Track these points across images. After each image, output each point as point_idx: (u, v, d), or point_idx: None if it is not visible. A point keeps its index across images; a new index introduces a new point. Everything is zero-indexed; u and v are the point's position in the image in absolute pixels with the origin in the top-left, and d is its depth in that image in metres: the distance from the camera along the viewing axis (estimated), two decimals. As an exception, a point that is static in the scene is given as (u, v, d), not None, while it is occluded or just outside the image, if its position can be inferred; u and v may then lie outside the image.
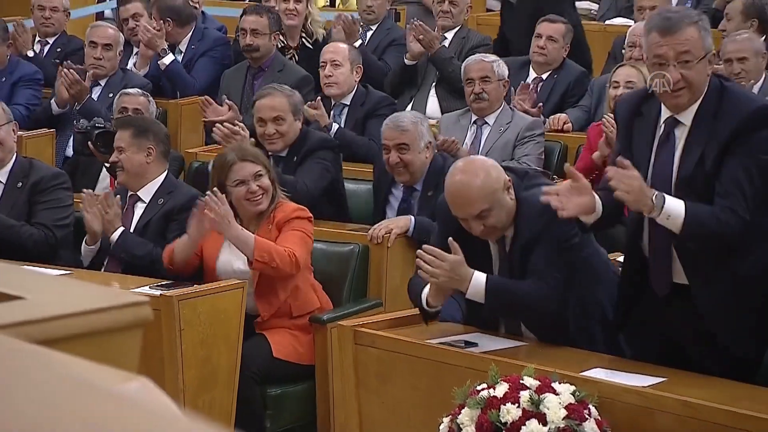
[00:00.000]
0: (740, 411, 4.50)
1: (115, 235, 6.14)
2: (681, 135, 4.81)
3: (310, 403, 6.07)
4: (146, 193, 6.36)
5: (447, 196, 5.08)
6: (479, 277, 4.93)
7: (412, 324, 5.41)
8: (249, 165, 5.83)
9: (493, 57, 7.80)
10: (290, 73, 8.09)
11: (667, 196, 4.64)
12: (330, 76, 7.57)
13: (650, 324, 5.04)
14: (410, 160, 6.47)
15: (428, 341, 5.17)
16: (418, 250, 4.94)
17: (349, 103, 7.73)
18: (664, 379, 4.76)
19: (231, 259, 5.81)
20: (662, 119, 4.84)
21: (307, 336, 5.93)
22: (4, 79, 8.79)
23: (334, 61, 7.62)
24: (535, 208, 4.95)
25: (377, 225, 6.32)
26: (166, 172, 6.43)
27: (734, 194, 4.68)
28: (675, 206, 4.64)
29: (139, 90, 8.01)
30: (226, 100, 7.78)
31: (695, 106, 4.81)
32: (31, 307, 2.38)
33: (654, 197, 4.61)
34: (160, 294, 5.60)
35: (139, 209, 6.37)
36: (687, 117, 4.80)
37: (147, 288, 5.70)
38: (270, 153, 6.94)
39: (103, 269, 6.30)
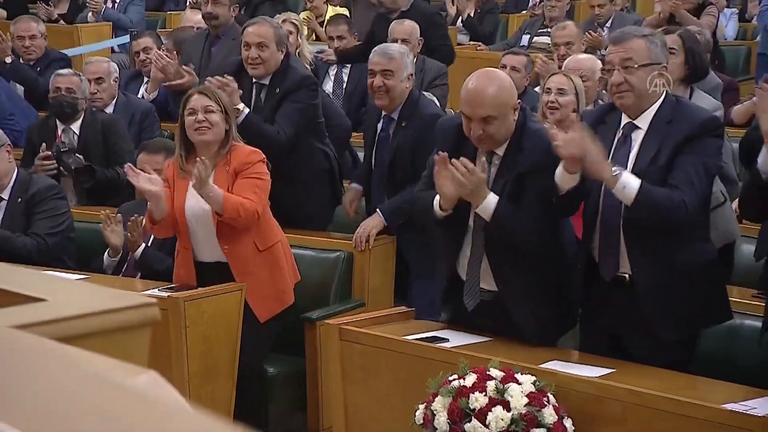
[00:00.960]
0: (680, 398, 4.50)
1: (138, 252, 6.10)
2: (637, 137, 4.85)
3: (303, 388, 6.05)
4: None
5: (463, 93, 5.03)
6: (492, 198, 4.90)
7: (392, 322, 5.42)
8: (203, 98, 5.63)
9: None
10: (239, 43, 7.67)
11: (624, 171, 4.70)
12: (256, 57, 7.01)
13: (596, 319, 5.05)
14: (392, 86, 6.37)
15: (406, 338, 5.16)
16: (454, 160, 4.82)
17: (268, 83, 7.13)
18: (612, 370, 4.76)
19: (198, 203, 5.59)
20: (622, 124, 4.89)
21: (280, 270, 5.75)
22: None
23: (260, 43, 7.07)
24: (543, 141, 4.92)
25: (357, 232, 6.29)
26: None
27: (686, 187, 4.70)
28: (631, 178, 4.67)
29: (71, 70, 8.03)
30: (185, 67, 7.69)
31: (651, 113, 4.86)
32: (53, 308, 2.38)
33: (613, 168, 4.66)
34: (168, 296, 5.57)
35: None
36: (644, 122, 4.85)
37: (156, 290, 5.68)
38: (254, 80, 6.90)
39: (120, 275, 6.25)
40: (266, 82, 6.95)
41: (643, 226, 4.78)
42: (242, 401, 5.80)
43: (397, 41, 7.67)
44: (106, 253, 6.29)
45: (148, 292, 5.59)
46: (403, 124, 6.35)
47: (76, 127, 7.46)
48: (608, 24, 9.94)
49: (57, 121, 7.59)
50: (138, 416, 1.59)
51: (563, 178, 4.78)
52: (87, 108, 7.55)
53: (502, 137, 4.99)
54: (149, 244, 6.22)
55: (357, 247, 6.23)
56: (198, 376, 5.56)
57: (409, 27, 8.15)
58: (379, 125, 6.56)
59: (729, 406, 4.42)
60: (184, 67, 7.68)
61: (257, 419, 5.83)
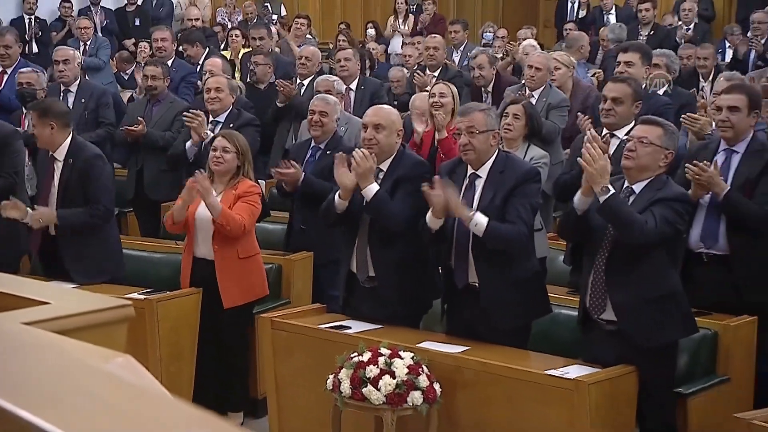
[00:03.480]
0: (515, 366, 4.57)
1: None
2: (479, 184, 4.84)
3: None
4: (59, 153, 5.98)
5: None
6: (374, 186, 4.93)
7: (309, 315, 5.39)
8: (224, 141, 5.63)
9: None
10: (176, 105, 7.65)
11: (477, 212, 4.71)
12: (215, 98, 7.05)
13: (456, 313, 5.03)
14: (326, 122, 6.27)
15: (319, 326, 5.15)
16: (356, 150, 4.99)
17: (223, 120, 7.08)
18: (468, 348, 4.79)
19: (205, 212, 5.49)
20: (468, 174, 4.89)
21: (254, 271, 5.67)
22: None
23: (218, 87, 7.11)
24: (522, 166, 4.97)
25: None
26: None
27: (519, 221, 4.72)
28: (481, 217, 4.67)
29: (31, 68, 7.91)
30: (139, 118, 7.44)
31: (488, 166, 4.86)
32: (55, 309, 2.40)
33: (469, 210, 4.68)
34: (144, 298, 5.52)
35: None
36: (483, 172, 4.86)
37: (136, 294, 5.58)
38: (211, 118, 6.90)
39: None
40: (221, 119, 6.94)
41: (490, 249, 4.76)
42: (228, 365, 5.77)
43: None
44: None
45: (131, 295, 5.49)
46: (327, 152, 6.14)
47: None
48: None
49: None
50: (112, 394, 1.59)
51: (432, 221, 4.79)
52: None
53: (482, 155, 4.85)
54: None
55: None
56: (167, 358, 5.50)
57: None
58: (308, 154, 6.39)
59: (550, 372, 4.47)
60: (139, 117, 7.44)
61: (242, 373, 5.82)
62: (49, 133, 5.90)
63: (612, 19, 13.09)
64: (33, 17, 13.68)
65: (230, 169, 5.61)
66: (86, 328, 2.36)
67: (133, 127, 7.36)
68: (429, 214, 4.79)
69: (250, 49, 9.88)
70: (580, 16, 14.08)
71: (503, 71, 9.28)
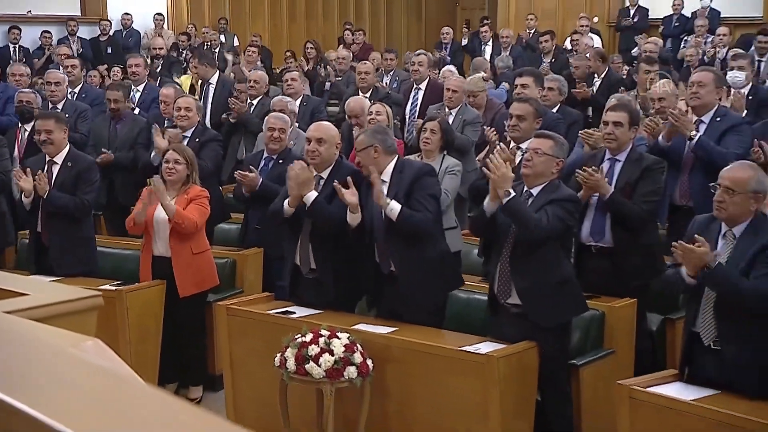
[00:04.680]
0: (434, 343, 4.61)
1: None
2: (385, 186, 4.85)
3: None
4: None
5: None
6: (313, 194, 4.95)
7: (260, 302, 5.36)
8: (175, 154, 5.61)
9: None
10: (137, 122, 7.60)
11: (392, 200, 4.76)
12: (184, 116, 6.92)
13: (383, 298, 5.04)
14: (283, 138, 6.25)
15: (268, 312, 5.13)
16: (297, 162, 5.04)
17: (190, 135, 6.92)
18: (396, 329, 4.81)
19: (163, 214, 5.48)
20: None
21: (205, 265, 5.65)
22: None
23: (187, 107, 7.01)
24: (416, 165, 5.00)
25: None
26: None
27: (422, 208, 4.77)
28: (396, 205, 4.73)
29: (30, 90, 7.92)
30: (104, 150, 7.35)
31: (390, 170, 4.89)
32: (33, 299, 2.38)
33: (387, 198, 4.74)
34: (115, 289, 5.48)
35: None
36: (386, 176, 4.89)
37: (107, 286, 5.54)
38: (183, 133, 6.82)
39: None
40: (188, 134, 6.87)
41: (403, 236, 4.80)
42: (187, 346, 5.74)
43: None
44: (21, 194, 5.94)
45: (103, 287, 5.45)
46: (280, 161, 6.14)
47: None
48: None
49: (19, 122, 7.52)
50: (78, 376, 1.56)
51: (351, 217, 4.85)
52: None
53: (380, 167, 4.91)
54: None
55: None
56: (135, 340, 5.46)
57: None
58: (262, 162, 6.35)
59: (465, 348, 4.50)
60: (104, 150, 7.35)
61: (200, 353, 5.80)
62: (61, 138, 6.03)
63: (488, 49, 13.30)
64: (17, 46, 13.51)
65: (181, 178, 5.60)
66: (60, 316, 2.34)
67: (102, 157, 7.27)
68: (348, 213, 4.86)
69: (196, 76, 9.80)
70: (463, 44, 14.46)
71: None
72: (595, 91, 9.18)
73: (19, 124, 7.53)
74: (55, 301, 2.39)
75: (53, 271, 5.81)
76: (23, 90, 7.84)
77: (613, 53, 12.45)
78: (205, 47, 13.02)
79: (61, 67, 11.24)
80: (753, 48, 11.06)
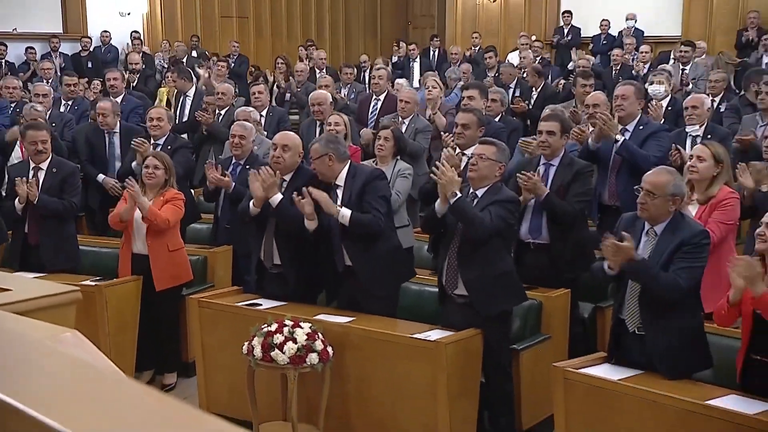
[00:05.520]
0: (389, 332, 4.59)
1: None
2: (339, 190, 4.86)
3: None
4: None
5: None
6: (278, 196, 4.90)
7: (229, 296, 5.31)
8: (155, 160, 5.57)
9: None
10: (130, 132, 7.33)
11: (342, 207, 4.75)
12: (156, 126, 6.88)
13: (342, 290, 5.03)
14: (244, 143, 6.19)
15: (237, 304, 5.09)
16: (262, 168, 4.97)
17: (162, 143, 6.86)
18: (354, 318, 4.80)
19: (139, 213, 5.43)
20: (333, 183, 4.90)
21: (180, 260, 5.60)
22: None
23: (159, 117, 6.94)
24: (366, 170, 4.98)
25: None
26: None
27: (373, 210, 4.77)
28: (346, 211, 4.73)
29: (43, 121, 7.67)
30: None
31: (343, 176, 4.88)
32: (15, 294, 2.34)
33: (337, 207, 4.73)
34: (95, 284, 5.40)
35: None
36: (341, 181, 4.88)
37: (88, 281, 5.46)
38: (153, 141, 6.76)
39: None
40: (161, 141, 6.79)
41: (357, 235, 4.79)
42: (163, 335, 5.69)
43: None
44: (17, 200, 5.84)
45: (84, 282, 5.38)
46: (247, 167, 6.02)
47: None
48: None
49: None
50: (51, 367, 1.54)
51: (308, 223, 4.83)
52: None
53: (329, 174, 4.89)
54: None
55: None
56: (114, 331, 5.39)
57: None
58: (231, 167, 6.31)
59: (416, 335, 4.50)
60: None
61: (175, 342, 5.77)
62: (50, 147, 6.01)
63: (416, 66, 13.35)
64: (3, 61, 13.28)
65: (160, 182, 5.56)
66: (41, 310, 2.30)
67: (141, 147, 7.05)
68: (305, 220, 4.84)
69: (174, 89, 9.74)
70: (393, 61, 14.44)
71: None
72: (533, 102, 9.26)
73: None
74: (36, 295, 2.36)
75: (42, 268, 5.74)
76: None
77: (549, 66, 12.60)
78: (181, 62, 12.94)
79: (44, 80, 11.16)
80: (673, 60, 11.27)
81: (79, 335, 2.06)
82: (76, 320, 2.52)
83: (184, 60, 13.61)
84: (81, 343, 2.03)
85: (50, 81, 11.18)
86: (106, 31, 14.64)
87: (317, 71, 11.23)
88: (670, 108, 7.86)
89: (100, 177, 7.25)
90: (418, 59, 13.85)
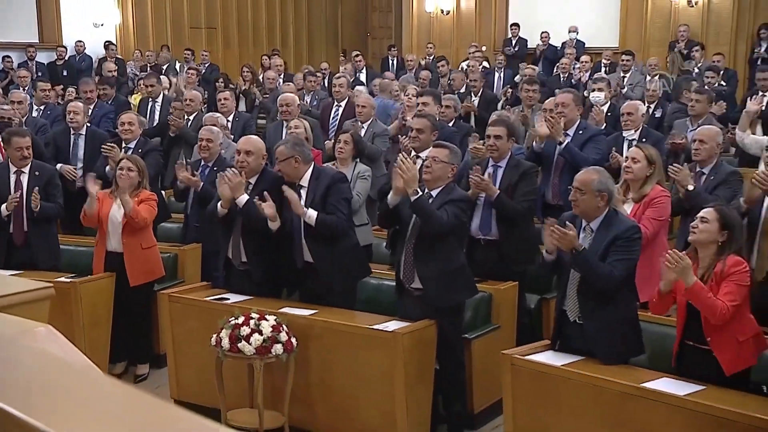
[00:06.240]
0: (350, 323, 4.59)
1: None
2: (303, 191, 4.85)
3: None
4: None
5: None
6: (244, 197, 4.84)
7: (198, 290, 5.26)
8: (129, 162, 5.50)
9: None
10: (94, 135, 7.37)
11: (309, 209, 4.73)
12: (127, 130, 6.85)
13: (303, 285, 5.02)
14: (211, 146, 6.15)
15: (205, 298, 5.06)
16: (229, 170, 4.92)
17: (133, 146, 6.80)
18: (316, 311, 4.77)
19: (115, 213, 5.41)
20: (297, 185, 4.86)
21: (152, 257, 5.55)
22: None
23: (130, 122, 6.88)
24: (329, 173, 4.94)
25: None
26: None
27: (336, 211, 4.77)
28: (312, 212, 4.71)
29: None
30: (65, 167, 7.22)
31: (307, 177, 4.87)
32: (-6, 290, 2.31)
33: (303, 208, 4.71)
34: (70, 281, 5.33)
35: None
36: (305, 182, 4.86)
37: (63, 278, 5.38)
38: (124, 144, 6.72)
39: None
40: (132, 145, 6.73)
41: (318, 234, 4.77)
42: (135, 329, 5.63)
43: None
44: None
45: (60, 279, 5.32)
46: (215, 169, 6.00)
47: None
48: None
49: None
50: (22, 361, 1.53)
51: (271, 224, 4.81)
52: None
53: (293, 174, 4.86)
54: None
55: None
56: (88, 325, 5.32)
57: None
58: (199, 170, 6.25)
59: (375, 326, 4.50)
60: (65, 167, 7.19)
61: (147, 335, 5.71)
62: (32, 151, 5.92)
63: (362, 76, 13.36)
64: (-19, 70, 13.04)
65: (133, 183, 5.50)
66: (16, 305, 2.26)
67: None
68: (269, 221, 4.81)
69: (147, 95, 9.61)
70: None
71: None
72: (477, 105, 9.44)
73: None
74: (9, 292, 2.31)
75: (28, 267, 5.63)
76: (4, 107, 7.61)
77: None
78: (161, 68, 12.86)
79: (20, 88, 10.97)
80: (605, 69, 11.43)
81: (52, 330, 2.02)
82: (51, 315, 2.49)
83: (165, 67, 13.54)
84: (54, 337, 1.99)
85: (26, 88, 11.01)
86: (80, 41, 14.49)
87: (279, 78, 11.25)
88: (609, 113, 7.96)
89: (58, 165, 7.12)
90: (364, 70, 13.86)
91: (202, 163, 6.28)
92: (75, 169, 7.26)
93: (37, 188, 5.75)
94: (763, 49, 12.81)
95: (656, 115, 8.39)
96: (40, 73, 13.23)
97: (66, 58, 14.18)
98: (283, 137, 7.07)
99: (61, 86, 12.15)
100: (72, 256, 6.10)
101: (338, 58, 16.55)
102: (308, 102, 10.18)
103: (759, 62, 11.66)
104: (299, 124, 6.79)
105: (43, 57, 14.16)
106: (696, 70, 11.55)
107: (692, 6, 13.90)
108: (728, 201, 4.66)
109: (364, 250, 5.40)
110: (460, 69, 12.10)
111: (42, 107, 8.84)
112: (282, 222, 4.87)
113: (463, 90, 10.24)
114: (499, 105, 9.64)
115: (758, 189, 4.57)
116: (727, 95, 9.58)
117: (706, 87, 8.21)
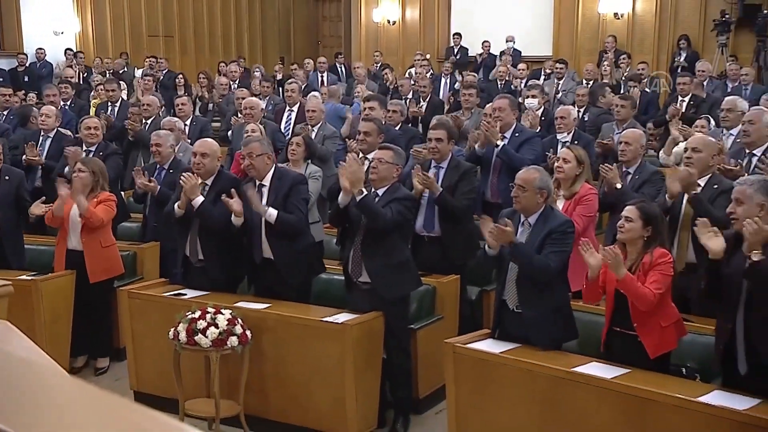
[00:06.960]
0: (307, 317, 4.54)
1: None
2: (265, 190, 4.79)
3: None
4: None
5: None
6: (199, 198, 4.79)
7: (157, 287, 5.18)
8: (81, 164, 5.40)
9: None
10: (60, 137, 7.21)
11: (270, 208, 4.68)
12: (94, 134, 6.74)
13: (260, 281, 4.96)
14: (161, 150, 6.03)
15: (164, 294, 4.97)
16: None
17: (94, 149, 6.68)
18: (270, 305, 4.71)
19: (76, 213, 5.29)
20: (257, 184, 4.80)
21: (112, 255, 5.44)
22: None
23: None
24: (290, 174, 4.90)
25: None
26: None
27: (296, 210, 4.74)
28: (273, 211, 4.67)
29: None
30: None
31: (269, 177, 4.82)
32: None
33: (264, 207, 4.66)
34: (31, 279, 5.21)
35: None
36: (267, 181, 4.82)
37: (24, 276, 5.26)
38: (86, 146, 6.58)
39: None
40: (93, 149, 6.61)
41: (278, 232, 4.73)
42: (96, 323, 5.52)
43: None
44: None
45: (21, 277, 5.19)
46: (170, 171, 5.93)
47: None
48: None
49: None
50: None
51: (236, 220, 4.75)
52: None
53: (262, 172, 4.80)
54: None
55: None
56: (49, 321, 5.20)
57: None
58: (155, 173, 6.08)
59: (326, 319, 4.48)
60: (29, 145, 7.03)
61: (107, 329, 5.61)
62: (2, 157, 5.81)
63: (324, 79, 13.32)
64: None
65: (86, 185, 5.36)
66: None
67: (33, 158, 6.99)
68: (233, 217, 4.75)
69: (107, 99, 9.43)
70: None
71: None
72: (424, 109, 9.45)
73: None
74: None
75: (7, 267, 5.50)
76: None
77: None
78: (119, 74, 12.65)
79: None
80: (544, 77, 11.57)
81: (10, 325, 1.97)
82: (13, 312, 2.42)
83: (122, 71, 13.34)
84: (11, 333, 1.94)
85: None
86: (41, 48, 14.22)
87: (231, 84, 11.17)
88: (543, 118, 8.07)
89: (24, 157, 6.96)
90: (325, 74, 13.81)
91: (158, 165, 6.19)
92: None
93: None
94: (682, 58, 13.13)
95: (585, 119, 8.54)
96: (1, 79, 12.91)
97: (27, 64, 13.87)
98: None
99: (23, 91, 11.86)
100: (36, 255, 5.94)
101: (289, 64, 16.46)
102: (264, 107, 10.09)
103: (679, 70, 11.93)
104: (255, 128, 6.73)
105: (4, 63, 13.85)
106: (623, 78, 11.78)
107: (618, 18, 14.18)
108: (652, 198, 4.74)
109: (319, 247, 5.37)
110: (407, 75, 12.11)
111: (5, 112, 8.65)
112: (243, 218, 4.81)
113: (410, 96, 10.27)
114: (445, 110, 9.70)
115: (678, 185, 4.64)
116: (651, 99, 9.80)
117: (629, 93, 8.40)
